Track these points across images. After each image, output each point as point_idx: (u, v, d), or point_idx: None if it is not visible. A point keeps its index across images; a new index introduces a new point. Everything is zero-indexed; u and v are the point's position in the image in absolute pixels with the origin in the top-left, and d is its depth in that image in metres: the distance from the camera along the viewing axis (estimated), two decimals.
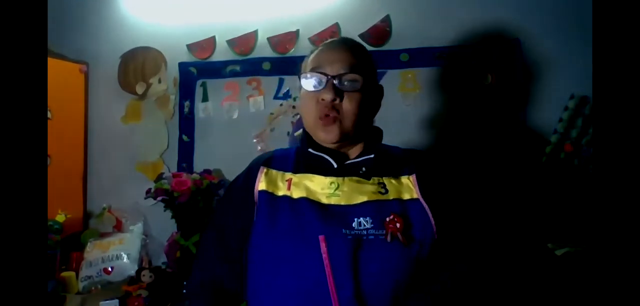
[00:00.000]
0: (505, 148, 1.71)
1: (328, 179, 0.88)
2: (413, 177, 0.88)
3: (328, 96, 0.85)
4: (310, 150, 0.92)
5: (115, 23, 2.11)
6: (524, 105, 1.72)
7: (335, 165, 0.90)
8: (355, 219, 0.82)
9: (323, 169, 0.89)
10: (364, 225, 0.81)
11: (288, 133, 1.92)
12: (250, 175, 0.95)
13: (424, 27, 1.81)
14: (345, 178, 0.88)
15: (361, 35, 1.85)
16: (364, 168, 0.89)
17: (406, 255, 0.80)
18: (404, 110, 1.80)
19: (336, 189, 0.86)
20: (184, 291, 1.82)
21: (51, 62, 1.83)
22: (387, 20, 1.84)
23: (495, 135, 1.73)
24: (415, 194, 0.86)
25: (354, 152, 0.94)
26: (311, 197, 0.86)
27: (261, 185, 0.91)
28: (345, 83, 0.87)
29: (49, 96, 1.52)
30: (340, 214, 0.83)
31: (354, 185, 0.86)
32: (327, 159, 0.90)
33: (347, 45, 0.93)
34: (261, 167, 0.94)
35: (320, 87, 0.87)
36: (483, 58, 1.75)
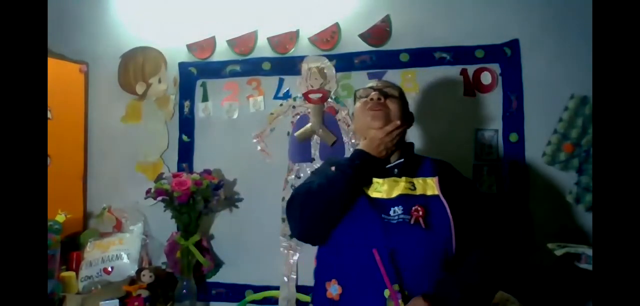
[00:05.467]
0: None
1: (374, 179, 1.17)
2: (436, 179, 1.15)
3: (375, 95, 1.21)
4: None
5: (115, 23, 2.11)
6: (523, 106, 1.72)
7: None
8: (392, 208, 1.11)
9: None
10: (397, 212, 1.10)
11: (288, 133, 1.92)
12: None
13: (424, 27, 1.81)
14: (386, 179, 1.16)
15: (361, 35, 1.85)
16: (396, 170, 1.19)
17: (425, 236, 1.07)
18: None
19: (380, 187, 1.15)
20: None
21: (51, 62, 1.83)
22: (387, 20, 1.84)
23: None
24: (437, 191, 1.12)
25: (392, 159, 1.23)
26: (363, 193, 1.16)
27: None
28: (386, 91, 1.23)
29: (49, 96, 1.53)
30: (381, 205, 1.13)
31: (391, 183, 1.15)
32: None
33: (387, 81, 1.33)
34: None
35: (368, 96, 1.23)
36: (483, 58, 1.76)
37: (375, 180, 1.17)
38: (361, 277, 1.08)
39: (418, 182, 1.15)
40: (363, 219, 1.11)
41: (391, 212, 1.10)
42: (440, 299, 1.01)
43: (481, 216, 1.16)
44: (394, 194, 1.13)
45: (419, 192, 1.13)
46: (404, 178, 1.15)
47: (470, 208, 1.14)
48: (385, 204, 1.12)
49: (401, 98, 1.25)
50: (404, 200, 1.11)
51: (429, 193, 1.13)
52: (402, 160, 1.21)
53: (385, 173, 1.19)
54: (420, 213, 1.07)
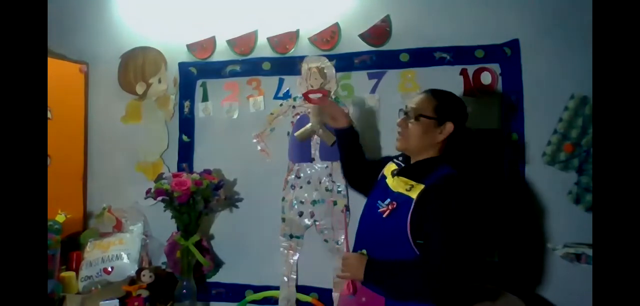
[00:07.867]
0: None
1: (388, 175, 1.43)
2: (421, 187, 1.25)
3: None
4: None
5: (116, 23, 2.11)
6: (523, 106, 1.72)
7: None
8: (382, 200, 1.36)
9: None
10: (381, 205, 1.34)
11: (288, 133, 1.92)
12: None
13: (424, 27, 1.81)
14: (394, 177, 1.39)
15: (361, 35, 1.85)
16: (395, 170, 1.40)
17: (384, 224, 1.29)
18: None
19: (391, 180, 1.39)
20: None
21: (51, 62, 1.83)
22: (387, 20, 1.84)
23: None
24: (414, 196, 1.25)
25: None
26: None
27: None
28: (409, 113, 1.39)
29: (49, 96, 1.52)
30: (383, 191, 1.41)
31: (396, 181, 1.36)
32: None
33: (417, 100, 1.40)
34: None
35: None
36: (483, 58, 1.76)
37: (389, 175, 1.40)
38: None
39: (412, 184, 1.28)
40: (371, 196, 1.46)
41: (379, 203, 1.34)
42: (366, 262, 1.28)
43: (432, 237, 1.20)
44: (395, 189, 1.32)
45: (413, 194, 1.25)
46: (400, 178, 1.33)
47: (430, 226, 1.20)
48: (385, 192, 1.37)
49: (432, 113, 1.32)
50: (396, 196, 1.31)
51: (412, 196, 1.25)
52: (403, 165, 1.41)
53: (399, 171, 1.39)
54: (391, 207, 1.27)
